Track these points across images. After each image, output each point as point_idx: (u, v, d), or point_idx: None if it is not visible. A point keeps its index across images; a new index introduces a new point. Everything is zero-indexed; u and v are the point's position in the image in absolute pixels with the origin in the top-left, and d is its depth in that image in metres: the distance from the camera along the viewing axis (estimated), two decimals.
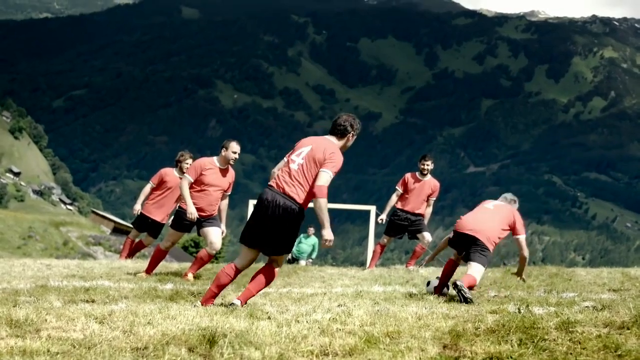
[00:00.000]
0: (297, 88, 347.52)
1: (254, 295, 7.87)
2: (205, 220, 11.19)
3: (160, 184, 13.38)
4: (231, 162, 10.96)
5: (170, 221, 11.94)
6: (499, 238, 9.70)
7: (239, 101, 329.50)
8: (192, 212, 10.86)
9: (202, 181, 11.03)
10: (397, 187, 14.19)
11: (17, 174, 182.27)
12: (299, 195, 7.58)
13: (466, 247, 9.55)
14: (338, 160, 7.65)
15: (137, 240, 14.28)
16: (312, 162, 7.67)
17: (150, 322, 6.14)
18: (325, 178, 7.52)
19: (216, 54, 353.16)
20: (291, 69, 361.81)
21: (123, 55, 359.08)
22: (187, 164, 12.91)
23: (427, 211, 14.24)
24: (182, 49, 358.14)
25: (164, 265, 13.57)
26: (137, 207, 13.65)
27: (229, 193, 11.40)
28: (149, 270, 11.69)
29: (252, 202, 19.65)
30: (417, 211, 14.00)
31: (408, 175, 14.25)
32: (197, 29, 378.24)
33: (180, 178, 12.14)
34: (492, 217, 9.74)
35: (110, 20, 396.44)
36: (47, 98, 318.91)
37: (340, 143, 7.90)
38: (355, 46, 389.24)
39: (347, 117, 8.00)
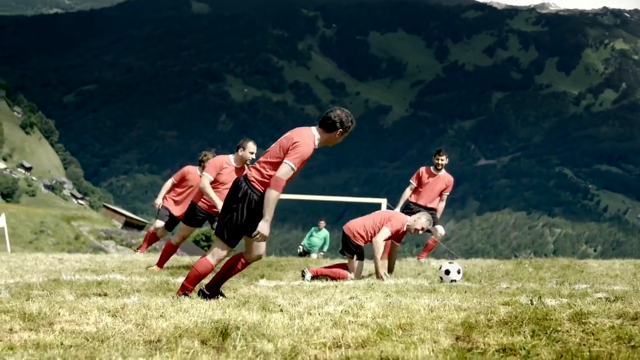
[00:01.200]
0: (307, 82, 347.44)
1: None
2: (216, 215, 11.27)
3: (182, 181, 13.53)
4: (248, 162, 11.05)
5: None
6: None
7: (249, 95, 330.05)
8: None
9: (217, 179, 11.20)
10: (411, 181, 14.23)
11: (28, 169, 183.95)
12: (257, 180, 7.52)
13: None
14: (302, 151, 7.36)
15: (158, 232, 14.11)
16: (278, 149, 7.53)
17: (163, 315, 6.15)
18: (283, 170, 7.31)
19: (226, 48, 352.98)
20: (301, 62, 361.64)
21: (133, 50, 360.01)
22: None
23: (440, 206, 14.26)
24: (192, 44, 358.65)
25: (175, 259, 13.67)
26: (158, 201, 13.65)
27: None
28: (160, 264, 11.79)
29: None
30: (430, 205, 14.01)
31: (423, 170, 14.28)
32: (207, 24, 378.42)
33: (201, 177, 12.13)
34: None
35: (120, 15, 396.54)
36: (57, 93, 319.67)
37: (324, 137, 7.65)
38: (365, 39, 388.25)
39: (340, 112, 7.70)
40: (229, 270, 7.90)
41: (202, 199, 11.58)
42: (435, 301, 7.42)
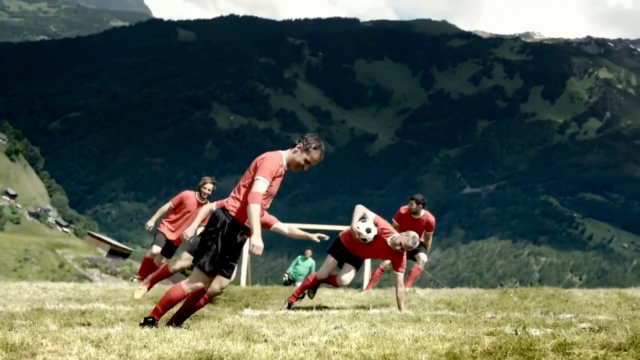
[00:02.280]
0: (293, 109, 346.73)
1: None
2: None
3: (179, 206, 13.20)
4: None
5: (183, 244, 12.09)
6: None
7: (235, 123, 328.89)
8: None
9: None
10: (393, 220, 14.06)
11: (13, 196, 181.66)
12: (234, 208, 7.57)
13: None
14: (268, 164, 7.48)
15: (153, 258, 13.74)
16: (248, 173, 7.63)
17: (147, 345, 6.11)
18: (256, 184, 7.37)
19: (212, 75, 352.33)
20: (287, 90, 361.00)
21: (119, 78, 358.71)
22: (207, 189, 12.94)
23: (427, 244, 14.27)
24: (178, 71, 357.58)
25: (160, 288, 13.64)
26: (150, 224, 13.34)
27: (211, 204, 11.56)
28: (148, 284, 11.69)
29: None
30: None
31: (402, 210, 14.16)
32: (193, 51, 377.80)
33: (200, 203, 12.48)
34: None
35: (106, 42, 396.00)
36: (43, 120, 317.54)
37: (289, 155, 7.79)
38: (351, 67, 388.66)
39: (309, 135, 7.95)
40: (191, 305, 7.92)
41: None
42: (420, 331, 7.40)
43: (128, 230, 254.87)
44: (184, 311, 7.96)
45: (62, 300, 11.17)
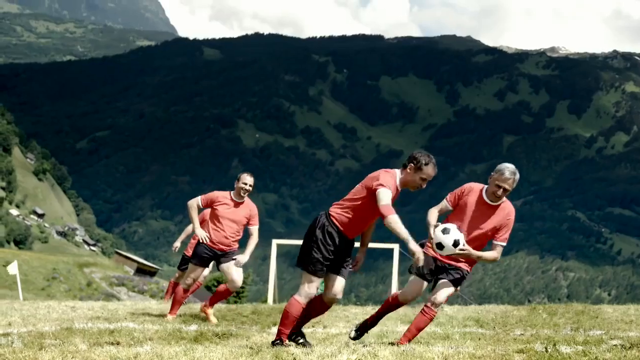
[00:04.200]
0: (319, 127, 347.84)
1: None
2: (224, 255, 11.10)
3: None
4: (242, 193, 10.96)
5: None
6: None
7: (261, 140, 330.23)
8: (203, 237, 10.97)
9: (214, 213, 11.09)
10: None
11: (41, 216, 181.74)
12: (335, 214, 7.54)
13: None
14: (384, 177, 7.35)
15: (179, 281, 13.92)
16: (361, 187, 7.55)
17: None
18: (379, 196, 7.23)
19: (238, 93, 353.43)
20: (312, 107, 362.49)
21: (146, 97, 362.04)
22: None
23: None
24: (204, 89, 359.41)
25: (187, 306, 13.48)
26: (177, 244, 13.56)
27: (255, 225, 11.19)
28: (173, 312, 11.49)
29: (275, 242, 19.70)
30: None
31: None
32: (219, 69, 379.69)
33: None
34: None
35: (132, 62, 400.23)
36: (70, 140, 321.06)
37: (403, 175, 7.54)
38: (376, 84, 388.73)
39: (418, 152, 7.70)
40: (309, 311, 7.88)
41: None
42: (449, 349, 7.25)
43: (155, 249, 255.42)
44: (302, 318, 7.87)
45: (91, 319, 11.02)
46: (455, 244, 7.53)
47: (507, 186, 8.10)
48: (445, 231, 7.58)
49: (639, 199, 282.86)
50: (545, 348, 7.05)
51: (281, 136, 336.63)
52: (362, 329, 8.26)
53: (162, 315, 11.72)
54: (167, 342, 8.23)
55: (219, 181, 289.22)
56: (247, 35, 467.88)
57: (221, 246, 11.03)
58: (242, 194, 10.95)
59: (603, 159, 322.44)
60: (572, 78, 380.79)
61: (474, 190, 8.20)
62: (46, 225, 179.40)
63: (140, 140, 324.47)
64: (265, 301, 17.98)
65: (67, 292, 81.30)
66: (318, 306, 7.83)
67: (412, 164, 7.48)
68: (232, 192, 11.07)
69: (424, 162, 7.49)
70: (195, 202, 11.07)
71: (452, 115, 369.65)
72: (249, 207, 11.12)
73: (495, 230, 8.06)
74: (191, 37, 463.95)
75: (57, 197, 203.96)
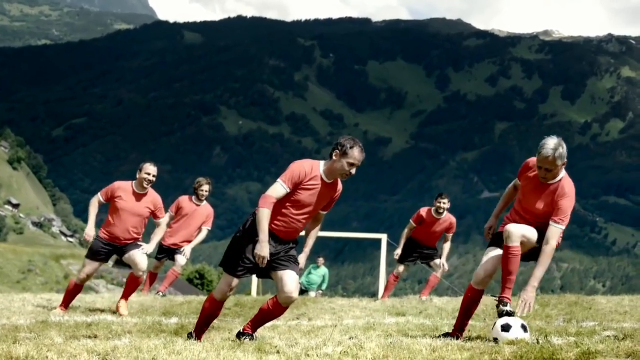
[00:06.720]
0: (304, 113, 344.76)
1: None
2: (123, 247, 11.02)
3: (177, 212, 13.58)
4: (145, 184, 10.87)
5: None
6: None
7: (244, 127, 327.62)
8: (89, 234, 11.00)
9: (115, 205, 10.93)
10: (410, 221, 13.98)
11: (15, 206, 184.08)
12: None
13: None
14: (291, 169, 7.36)
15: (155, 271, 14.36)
16: None
17: (155, 357, 6.16)
18: (271, 187, 7.39)
19: (220, 79, 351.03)
20: (298, 93, 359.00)
21: (124, 82, 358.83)
22: (203, 190, 13.32)
23: (446, 246, 14.16)
24: (184, 75, 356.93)
25: (168, 299, 13.73)
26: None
27: (162, 218, 11.30)
28: (64, 305, 11.26)
29: None
30: (429, 245, 14.01)
31: (423, 212, 13.92)
32: (200, 54, 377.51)
33: (197, 205, 13.16)
34: None
35: (110, 46, 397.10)
36: (46, 127, 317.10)
37: (328, 164, 7.40)
38: (364, 69, 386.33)
39: (343, 137, 7.56)
40: (262, 315, 7.65)
41: (104, 231, 10.97)
42: (437, 341, 7.31)
43: None
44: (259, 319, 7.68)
45: (67, 311, 11.14)
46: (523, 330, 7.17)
47: (548, 166, 7.39)
48: (505, 328, 7.20)
49: (635, 187, 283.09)
50: (537, 339, 7.12)
51: (265, 123, 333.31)
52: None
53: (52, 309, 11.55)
54: (146, 335, 8.30)
55: (200, 170, 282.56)
56: (229, 18, 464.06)
57: (121, 240, 10.96)
58: (144, 185, 10.90)
59: (598, 146, 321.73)
60: (565, 62, 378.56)
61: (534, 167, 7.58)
62: (21, 215, 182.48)
63: (118, 127, 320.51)
64: (249, 293, 17.74)
65: (43, 284, 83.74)
66: (274, 308, 7.52)
67: (337, 150, 7.36)
68: (133, 182, 10.95)
69: (348, 145, 7.38)
70: (96, 199, 10.98)
71: (442, 101, 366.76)
72: (152, 199, 11.06)
73: (548, 211, 7.53)
74: (171, 20, 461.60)
75: (33, 186, 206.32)
